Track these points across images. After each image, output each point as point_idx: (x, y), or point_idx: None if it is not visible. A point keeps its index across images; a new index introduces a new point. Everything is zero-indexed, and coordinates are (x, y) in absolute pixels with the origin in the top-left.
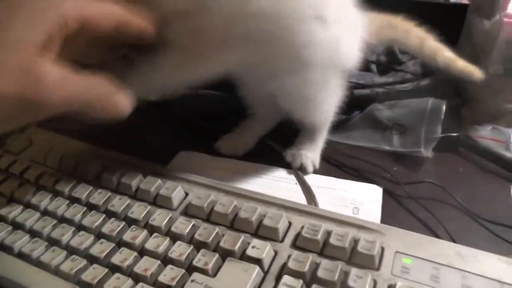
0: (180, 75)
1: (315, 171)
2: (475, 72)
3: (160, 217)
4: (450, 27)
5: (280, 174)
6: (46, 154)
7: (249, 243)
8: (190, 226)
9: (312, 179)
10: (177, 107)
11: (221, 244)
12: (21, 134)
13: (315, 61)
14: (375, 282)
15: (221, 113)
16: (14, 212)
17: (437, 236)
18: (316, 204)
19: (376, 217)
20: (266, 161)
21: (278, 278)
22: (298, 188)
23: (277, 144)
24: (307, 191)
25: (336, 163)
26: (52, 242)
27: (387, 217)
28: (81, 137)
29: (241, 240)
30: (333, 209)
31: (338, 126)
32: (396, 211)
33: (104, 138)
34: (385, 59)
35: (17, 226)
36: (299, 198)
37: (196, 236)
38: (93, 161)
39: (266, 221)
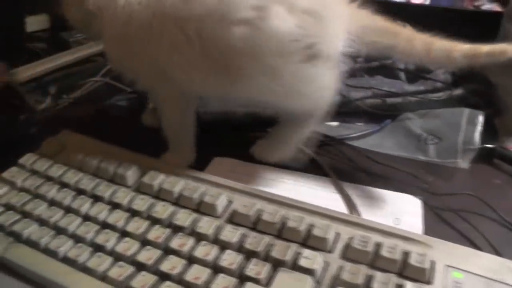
0: None
1: (351, 180)
2: (508, 49)
3: (206, 225)
4: (484, 35)
5: (317, 181)
6: (83, 158)
7: (299, 253)
8: (238, 234)
9: (349, 188)
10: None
11: (272, 253)
12: (54, 138)
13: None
14: None
15: (256, 119)
16: (56, 216)
17: (479, 249)
18: (359, 214)
19: (418, 229)
20: (301, 168)
21: None
22: (336, 196)
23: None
24: (347, 200)
25: (370, 172)
26: (97, 248)
27: (427, 229)
28: (114, 142)
29: (290, 249)
30: (374, 219)
31: (369, 134)
32: (435, 223)
33: (135, 143)
34: (413, 67)
35: (59, 230)
36: (339, 207)
37: (245, 245)
38: (131, 167)
39: (316, 231)
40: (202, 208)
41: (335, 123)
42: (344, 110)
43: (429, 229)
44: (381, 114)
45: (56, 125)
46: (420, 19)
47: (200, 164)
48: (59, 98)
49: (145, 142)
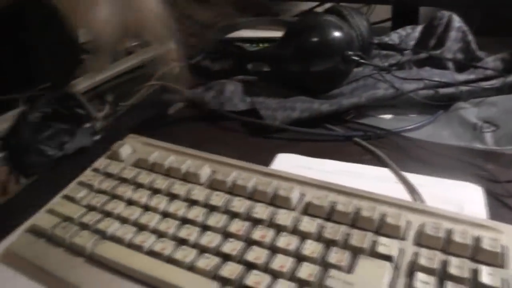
0: None
1: (411, 170)
2: None
3: (284, 217)
4: None
5: (378, 173)
6: (153, 159)
7: (375, 241)
8: (316, 224)
9: (410, 178)
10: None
11: (350, 241)
12: (122, 142)
13: None
14: (503, 280)
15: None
16: (135, 214)
17: None
18: (424, 202)
19: (483, 216)
20: (361, 160)
21: (409, 275)
22: (399, 186)
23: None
24: (410, 189)
25: (428, 162)
26: (180, 241)
27: (491, 216)
28: (178, 142)
29: (367, 237)
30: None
31: (424, 125)
32: (499, 209)
33: (199, 143)
34: (461, 56)
35: (141, 227)
36: (403, 196)
37: (324, 234)
38: (202, 165)
39: (389, 219)
40: (277, 202)
41: (389, 116)
42: (397, 103)
43: (493, 216)
44: (434, 104)
45: (118, 130)
46: None
47: (262, 161)
48: (117, 105)
49: (207, 140)
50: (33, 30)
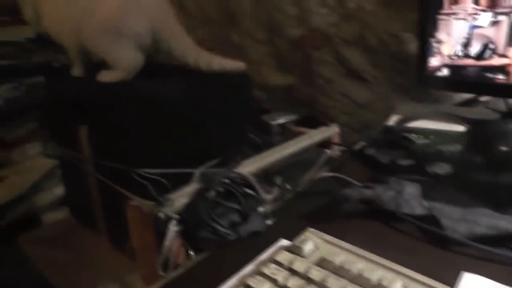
0: None
1: None
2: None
3: None
4: None
5: None
6: (341, 263)
7: None
8: None
9: None
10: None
11: None
12: (303, 236)
13: None
14: None
15: None
16: None
17: None
18: None
19: None
20: None
21: None
22: None
23: None
24: None
25: None
26: None
27: None
28: (352, 240)
29: None
30: None
31: None
32: None
33: (374, 244)
34: None
35: None
36: None
37: None
38: (395, 279)
39: None
40: None
41: None
42: None
43: None
44: None
45: (288, 216)
46: None
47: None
48: (285, 188)
49: (382, 242)
50: (206, 110)
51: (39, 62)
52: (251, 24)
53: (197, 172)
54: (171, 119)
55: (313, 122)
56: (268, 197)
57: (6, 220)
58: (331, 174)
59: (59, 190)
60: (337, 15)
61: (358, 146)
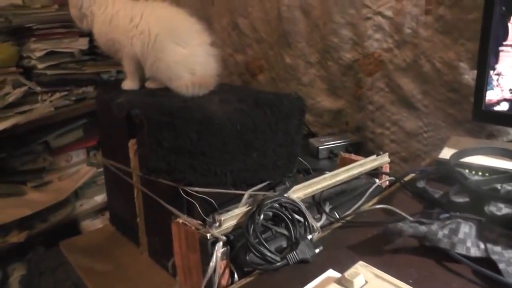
0: None
1: None
2: None
3: None
4: None
5: None
6: None
7: None
8: None
9: None
10: None
11: None
12: (355, 269)
13: None
14: None
15: None
16: None
17: None
18: None
19: None
20: None
21: None
22: None
23: None
24: None
25: None
26: None
27: None
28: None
29: None
30: None
31: None
32: None
33: (425, 283)
34: None
35: None
36: None
37: None
38: None
39: None
40: None
41: None
42: None
43: None
44: None
45: (335, 247)
46: None
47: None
48: (334, 217)
49: (434, 281)
50: (258, 131)
51: (90, 73)
52: (304, 46)
53: (246, 194)
54: (223, 139)
55: (361, 148)
56: (317, 224)
57: (48, 223)
58: (382, 206)
59: (100, 198)
60: (392, 41)
61: (409, 177)
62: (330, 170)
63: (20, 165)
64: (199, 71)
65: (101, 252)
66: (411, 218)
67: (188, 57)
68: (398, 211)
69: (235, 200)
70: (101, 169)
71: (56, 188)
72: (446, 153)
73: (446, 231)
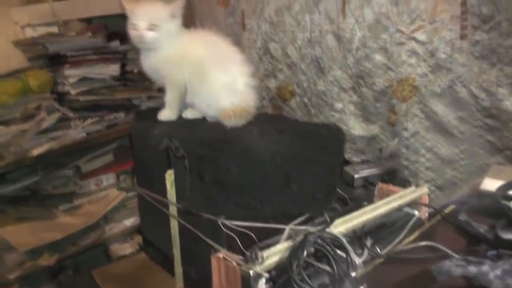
0: None
1: None
2: None
3: None
4: None
5: None
6: None
7: None
8: None
9: None
10: None
11: None
12: None
13: None
14: None
15: None
16: None
17: None
18: None
19: None
20: None
21: None
22: None
23: None
24: None
25: None
26: None
27: None
28: None
29: None
30: None
31: None
32: None
33: None
34: None
35: None
36: None
37: None
38: None
39: None
40: None
41: None
42: None
43: None
44: None
45: (378, 285)
46: None
47: None
48: (376, 252)
49: None
50: (298, 164)
51: (121, 99)
52: (337, 71)
53: (287, 228)
54: (263, 172)
55: (396, 176)
56: (359, 260)
57: (78, 246)
58: (425, 243)
59: (129, 222)
60: (426, 66)
61: (449, 209)
62: (366, 200)
63: (51, 189)
64: (239, 100)
65: (135, 281)
66: (457, 256)
67: (230, 85)
68: (442, 247)
69: (275, 232)
70: (131, 194)
71: (86, 212)
72: (489, 184)
73: (498, 272)
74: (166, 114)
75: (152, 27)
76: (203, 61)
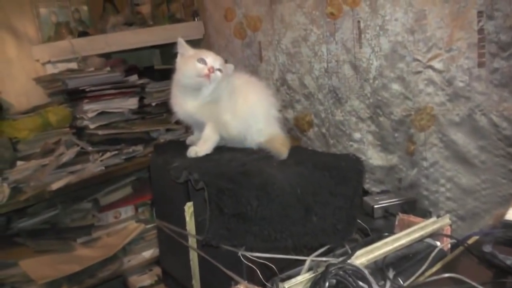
0: None
1: None
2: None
3: None
4: None
5: None
6: None
7: None
8: None
9: None
10: None
11: None
12: None
13: None
14: None
15: None
16: None
17: None
18: None
19: None
20: None
21: None
22: None
23: None
24: None
25: None
26: None
27: None
28: None
29: None
30: None
31: None
32: None
33: None
34: None
35: None
36: None
37: None
38: None
39: None
40: None
41: None
42: None
43: None
44: None
45: None
46: None
47: None
48: (398, 284)
49: None
50: (319, 194)
51: (139, 132)
52: (354, 101)
53: (308, 260)
54: (283, 204)
55: (416, 206)
56: None
57: (96, 279)
58: (449, 275)
59: (147, 254)
60: (445, 94)
61: (472, 240)
62: (387, 230)
63: (70, 222)
64: (270, 134)
65: None
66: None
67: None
68: (467, 280)
69: (296, 264)
70: (150, 225)
71: (105, 244)
72: None
73: None
74: (200, 150)
75: (220, 69)
76: (244, 99)
